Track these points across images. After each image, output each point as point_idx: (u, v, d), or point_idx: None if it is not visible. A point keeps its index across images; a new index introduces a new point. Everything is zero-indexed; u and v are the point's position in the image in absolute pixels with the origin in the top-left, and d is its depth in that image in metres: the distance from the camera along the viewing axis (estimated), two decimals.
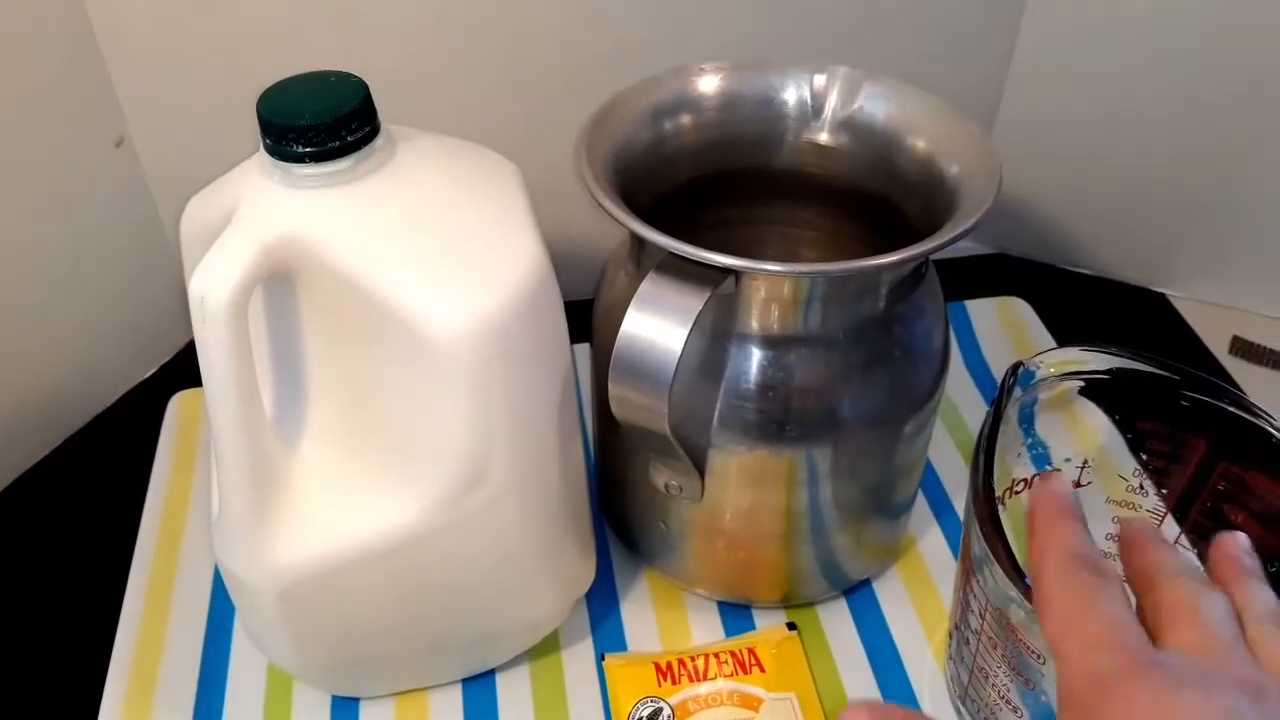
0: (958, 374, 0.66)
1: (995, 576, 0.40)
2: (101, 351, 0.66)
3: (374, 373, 0.41)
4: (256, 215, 0.38)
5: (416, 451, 0.41)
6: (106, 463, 0.64)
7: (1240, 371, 0.68)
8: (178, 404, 0.65)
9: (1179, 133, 0.67)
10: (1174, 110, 0.66)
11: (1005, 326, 0.70)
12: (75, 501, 0.61)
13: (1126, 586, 0.34)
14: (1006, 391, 0.45)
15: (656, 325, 0.40)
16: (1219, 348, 0.70)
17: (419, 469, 0.41)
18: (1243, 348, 0.70)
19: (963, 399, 0.65)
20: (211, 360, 0.38)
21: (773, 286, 0.43)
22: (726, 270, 0.40)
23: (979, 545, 0.41)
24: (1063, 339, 0.67)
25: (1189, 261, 0.73)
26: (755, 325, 0.44)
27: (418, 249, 0.39)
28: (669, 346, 0.39)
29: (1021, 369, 0.45)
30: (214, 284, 0.37)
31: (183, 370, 0.69)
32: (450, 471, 0.41)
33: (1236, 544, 0.37)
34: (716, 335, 0.44)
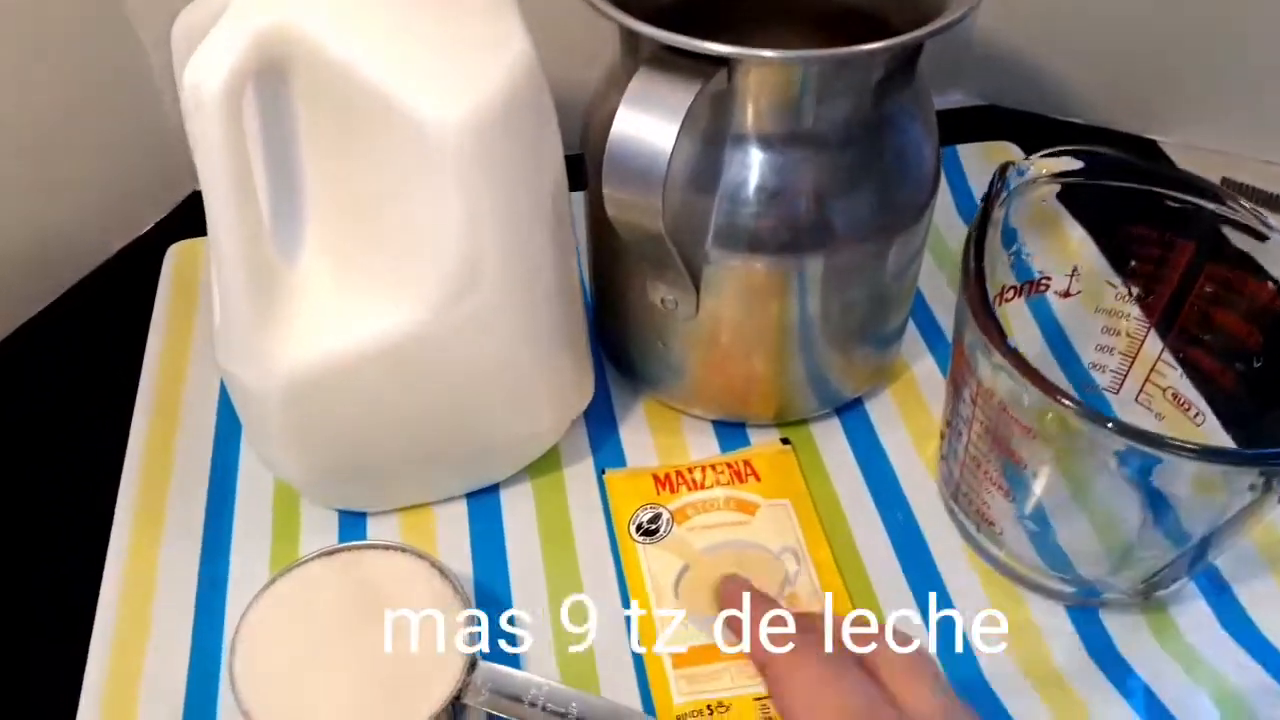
0: (949, 215, 0.67)
1: (990, 358, 0.41)
2: (99, 205, 0.66)
3: (367, 176, 0.41)
4: (250, 6, 0.38)
5: (410, 255, 0.42)
6: (106, 313, 0.64)
7: None
8: (175, 255, 0.65)
9: None
10: None
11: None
12: (75, 351, 0.62)
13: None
14: (995, 195, 0.45)
15: (647, 123, 0.40)
16: None
17: (413, 272, 0.42)
18: (1232, 190, 0.70)
19: (955, 238, 0.65)
20: (207, 154, 0.38)
21: (765, 77, 0.43)
22: (718, 61, 0.40)
23: (971, 329, 0.41)
24: None
25: (1179, 107, 0.73)
26: (749, 124, 0.44)
27: (408, 40, 0.39)
28: (660, 145, 0.40)
29: (1012, 168, 0.46)
30: (207, 72, 0.37)
31: (181, 223, 0.69)
32: (443, 273, 0.41)
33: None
34: (710, 139, 0.45)
